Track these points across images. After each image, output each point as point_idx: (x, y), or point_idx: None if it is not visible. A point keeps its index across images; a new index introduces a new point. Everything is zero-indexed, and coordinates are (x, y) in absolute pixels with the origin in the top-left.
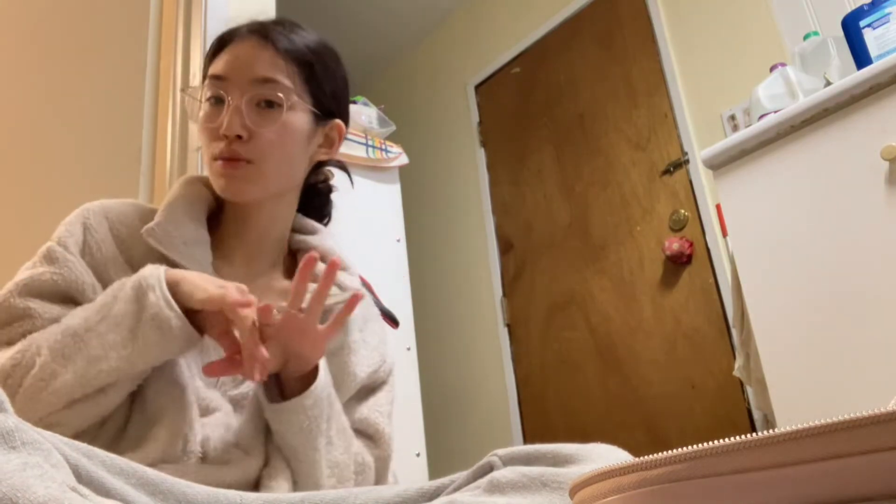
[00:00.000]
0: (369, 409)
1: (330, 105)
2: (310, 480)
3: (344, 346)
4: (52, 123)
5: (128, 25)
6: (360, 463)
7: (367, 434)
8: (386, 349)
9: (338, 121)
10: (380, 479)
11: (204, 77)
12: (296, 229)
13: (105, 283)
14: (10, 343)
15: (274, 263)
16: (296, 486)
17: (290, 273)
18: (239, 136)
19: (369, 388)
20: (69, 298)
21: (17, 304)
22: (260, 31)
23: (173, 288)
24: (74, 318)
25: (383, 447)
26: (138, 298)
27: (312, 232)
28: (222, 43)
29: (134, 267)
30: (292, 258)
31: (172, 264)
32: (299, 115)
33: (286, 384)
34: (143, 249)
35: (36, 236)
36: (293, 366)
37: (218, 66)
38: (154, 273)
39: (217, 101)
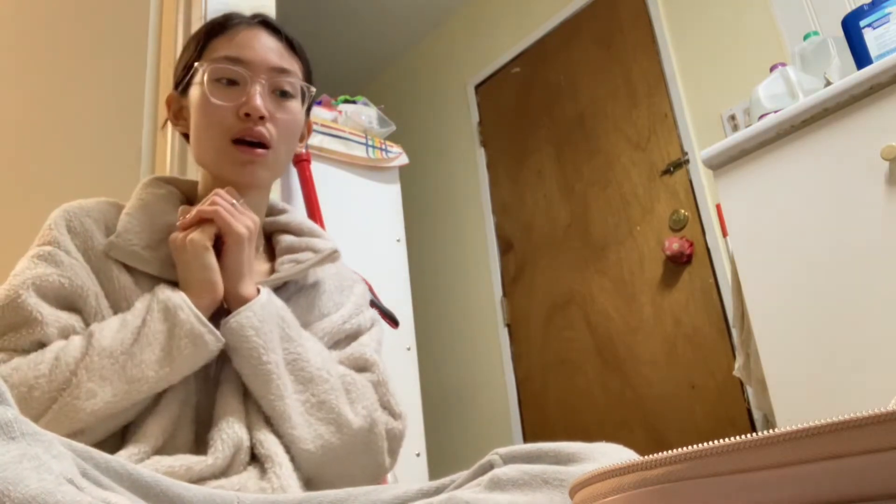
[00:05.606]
0: (352, 348)
1: (311, 103)
2: (276, 397)
3: (314, 311)
4: (52, 123)
5: (128, 25)
6: (349, 383)
7: (357, 368)
8: (366, 311)
9: (310, 119)
10: (383, 400)
11: (197, 57)
12: (267, 212)
13: (101, 282)
14: (17, 350)
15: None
16: (269, 419)
17: (269, 256)
18: (262, 118)
19: (351, 337)
20: (72, 305)
21: (28, 303)
22: (267, 24)
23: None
24: (106, 338)
25: (376, 372)
26: (167, 318)
27: (283, 211)
28: (222, 27)
29: (121, 265)
30: (267, 241)
31: (141, 273)
32: (301, 108)
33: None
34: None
35: (35, 237)
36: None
37: (233, 49)
38: (177, 294)
39: (229, 83)
